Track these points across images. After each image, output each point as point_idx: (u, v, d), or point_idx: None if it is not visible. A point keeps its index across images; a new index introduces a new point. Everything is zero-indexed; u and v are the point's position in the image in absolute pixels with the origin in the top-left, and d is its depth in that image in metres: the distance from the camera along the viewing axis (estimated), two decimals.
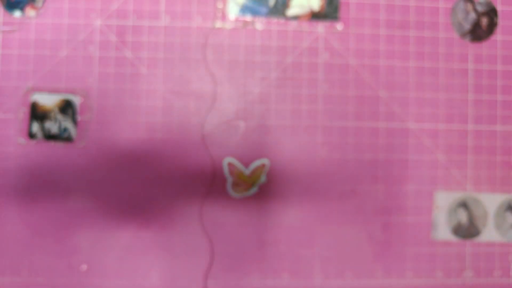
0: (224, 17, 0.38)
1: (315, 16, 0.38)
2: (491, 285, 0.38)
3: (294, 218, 0.37)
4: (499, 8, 0.39)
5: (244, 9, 0.38)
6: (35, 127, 0.37)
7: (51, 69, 0.37)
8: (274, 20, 0.38)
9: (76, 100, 0.37)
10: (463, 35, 0.39)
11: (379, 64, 0.38)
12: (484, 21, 0.39)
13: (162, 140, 0.37)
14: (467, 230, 0.38)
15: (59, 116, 0.37)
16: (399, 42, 0.38)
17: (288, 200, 0.37)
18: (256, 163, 0.37)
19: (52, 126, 0.37)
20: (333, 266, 0.37)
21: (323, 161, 0.38)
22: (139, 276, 0.37)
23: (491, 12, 0.39)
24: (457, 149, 0.38)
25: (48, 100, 0.37)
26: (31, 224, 0.36)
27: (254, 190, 0.37)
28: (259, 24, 0.38)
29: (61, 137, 0.37)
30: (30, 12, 0.37)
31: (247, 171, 0.37)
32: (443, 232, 0.38)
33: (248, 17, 0.38)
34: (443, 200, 0.38)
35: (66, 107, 0.37)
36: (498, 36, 0.39)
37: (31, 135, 0.37)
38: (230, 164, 0.37)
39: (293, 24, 0.38)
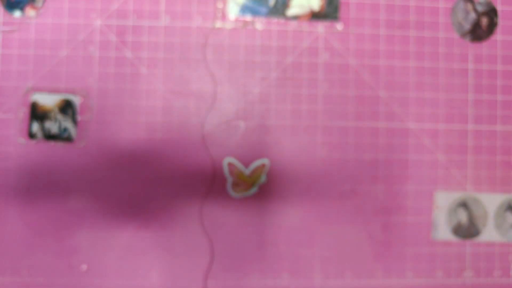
0: (224, 17, 0.38)
1: (315, 16, 0.38)
2: (491, 285, 0.38)
3: (294, 218, 0.37)
4: (499, 8, 0.39)
5: (244, 9, 0.38)
6: (35, 127, 0.37)
7: (51, 69, 0.37)
8: (274, 20, 0.38)
9: (76, 100, 0.37)
10: (463, 35, 0.39)
11: (379, 64, 0.38)
12: (484, 21, 0.39)
13: (162, 140, 0.37)
14: (467, 230, 0.38)
15: (59, 116, 0.37)
16: (399, 42, 0.38)
17: (288, 200, 0.37)
18: (256, 163, 0.37)
19: (52, 126, 0.37)
20: (333, 266, 0.37)
21: (323, 161, 0.38)
22: (139, 276, 0.37)
23: (491, 12, 0.39)
24: (457, 149, 0.38)
25: (48, 100, 0.37)
26: (31, 224, 0.36)
27: (254, 190, 0.37)
28: (259, 24, 0.38)
29: (61, 137, 0.37)
30: (30, 12, 0.37)
31: (247, 171, 0.37)
32: (443, 232, 0.38)
33: (248, 17, 0.38)
34: (443, 200, 0.38)
35: (66, 107, 0.37)
36: (498, 36, 0.39)
37: (31, 135, 0.37)
38: (230, 164, 0.37)
39: (293, 24, 0.38)
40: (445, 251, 0.38)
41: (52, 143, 0.37)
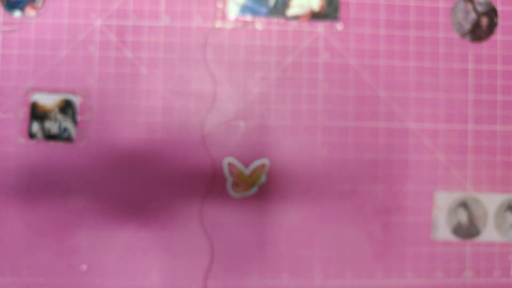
0: (224, 17, 0.38)
1: (315, 16, 0.38)
2: (491, 285, 0.38)
3: (294, 218, 0.37)
4: (499, 8, 0.39)
5: (244, 9, 0.38)
6: (35, 127, 0.37)
7: (51, 69, 0.37)
8: (274, 20, 0.38)
9: (76, 100, 0.37)
10: (463, 35, 0.39)
11: (379, 64, 0.38)
12: (484, 21, 0.39)
13: (162, 140, 0.37)
14: (467, 230, 0.38)
15: (59, 116, 0.37)
16: (399, 42, 0.38)
17: (288, 200, 0.37)
18: (256, 163, 0.37)
19: (52, 126, 0.37)
20: (333, 266, 0.37)
21: (323, 161, 0.38)
22: (139, 276, 0.37)
23: (491, 12, 0.39)
24: (457, 149, 0.38)
25: (48, 100, 0.37)
26: (31, 224, 0.36)
27: (254, 190, 0.37)
28: (259, 24, 0.38)
29: (61, 137, 0.37)
30: (30, 12, 0.37)
31: (247, 171, 0.37)
32: (443, 232, 0.38)
33: (248, 17, 0.38)
34: (443, 200, 0.38)
35: (66, 107, 0.37)
36: (498, 36, 0.39)
37: (31, 135, 0.37)
38: (230, 164, 0.37)
39: (293, 24, 0.38)
40: (445, 251, 0.38)
41: (52, 143, 0.37)
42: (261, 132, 0.38)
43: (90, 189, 0.37)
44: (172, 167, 0.37)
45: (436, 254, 0.38)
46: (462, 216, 0.38)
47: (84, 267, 0.36)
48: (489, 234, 0.38)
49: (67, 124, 0.37)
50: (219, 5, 0.38)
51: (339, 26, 0.38)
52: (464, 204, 0.38)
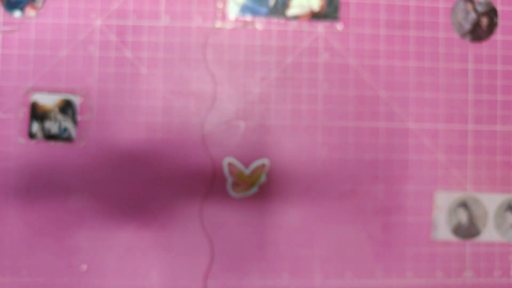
0: (224, 17, 0.38)
1: (315, 16, 0.38)
2: (491, 285, 0.38)
3: (294, 218, 0.37)
4: (499, 8, 0.39)
5: (244, 9, 0.38)
6: (35, 127, 0.37)
7: (51, 69, 0.37)
8: (274, 20, 0.38)
9: (76, 100, 0.37)
10: (463, 35, 0.39)
11: (379, 64, 0.38)
12: (484, 21, 0.39)
13: (162, 140, 0.37)
14: (467, 230, 0.38)
15: (59, 116, 0.37)
16: (399, 42, 0.38)
17: (288, 200, 0.37)
18: (256, 163, 0.37)
19: (52, 126, 0.37)
20: (333, 266, 0.37)
21: (323, 161, 0.38)
22: (139, 276, 0.37)
23: (491, 12, 0.39)
24: (457, 149, 0.38)
25: (48, 100, 0.37)
26: (31, 224, 0.36)
27: (254, 190, 0.37)
28: (259, 24, 0.38)
29: (61, 137, 0.37)
30: (30, 12, 0.37)
31: (247, 171, 0.37)
32: (443, 232, 0.38)
33: (248, 17, 0.38)
34: (443, 200, 0.38)
35: (66, 107, 0.37)
36: (498, 36, 0.39)
37: (31, 135, 0.37)
38: (230, 164, 0.37)
39: (293, 24, 0.38)
40: (445, 251, 0.38)
41: (52, 143, 0.37)
42: (261, 132, 0.38)
43: (90, 189, 0.37)
44: (172, 167, 0.37)
45: (436, 254, 0.38)
46: (462, 216, 0.38)
47: (84, 267, 0.36)
48: (489, 234, 0.38)
49: (67, 124, 0.37)
50: (219, 5, 0.38)
51: (339, 26, 0.38)
52: (464, 204, 0.38)
